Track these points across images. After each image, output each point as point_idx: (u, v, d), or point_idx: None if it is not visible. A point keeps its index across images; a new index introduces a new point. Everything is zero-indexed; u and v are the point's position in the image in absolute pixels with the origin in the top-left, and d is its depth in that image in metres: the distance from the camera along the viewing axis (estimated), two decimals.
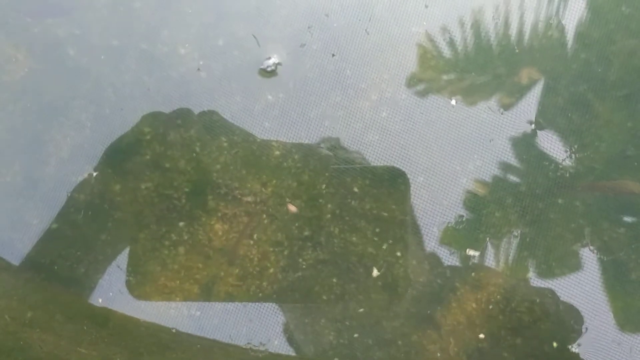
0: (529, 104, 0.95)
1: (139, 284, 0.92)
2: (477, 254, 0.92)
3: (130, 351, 0.76)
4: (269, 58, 0.95)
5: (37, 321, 0.79)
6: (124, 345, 0.78)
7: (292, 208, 0.85)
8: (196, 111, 0.97)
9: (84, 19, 1.00)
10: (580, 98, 0.95)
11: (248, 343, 0.91)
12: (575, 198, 0.93)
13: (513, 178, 0.94)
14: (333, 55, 0.99)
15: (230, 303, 0.92)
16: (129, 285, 0.92)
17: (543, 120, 0.95)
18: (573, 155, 0.94)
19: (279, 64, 0.94)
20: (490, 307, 0.90)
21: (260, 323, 0.91)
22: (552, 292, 0.90)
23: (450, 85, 0.97)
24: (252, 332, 0.91)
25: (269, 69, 0.93)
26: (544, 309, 0.90)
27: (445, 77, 0.97)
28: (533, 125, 0.95)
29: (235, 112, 0.97)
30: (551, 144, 0.94)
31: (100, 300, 0.90)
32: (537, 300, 0.90)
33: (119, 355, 0.75)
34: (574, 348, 0.89)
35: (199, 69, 0.92)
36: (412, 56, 0.98)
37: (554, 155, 0.94)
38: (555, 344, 0.89)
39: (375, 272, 0.90)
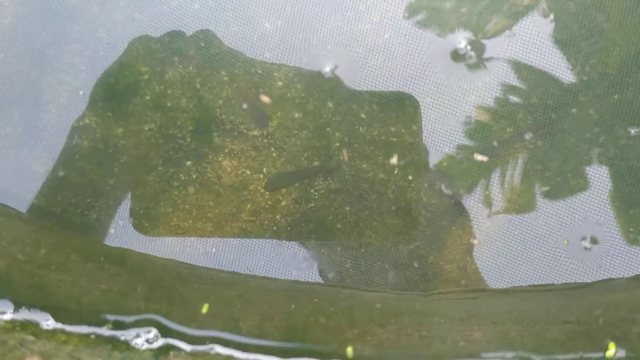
0: (538, 14, 0.92)
1: (152, 226, 0.92)
2: (485, 159, 0.90)
3: (150, 282, 0.76)
4: None
5: (53, 262, 0.80)
6: (143, 278, 0.79)
7: (266, 99, 0.83)
8: (193, 46, 0.94)
9: None
10: (591, 1, 0.91)
11: (267, 275, 0.91)
12: (589, 106, 0.90)
13: (523, 90, 0.91)
14: None
15: (245, 238, 0.92)
16: (142, 228, 0.91)
17: (555, 28, 0.91)
18: (586, 62, 0.91)
19: None
20: (506, 223, 0.90)
21: (277, 256, 0.92)
22: (567, 204, 0.89)
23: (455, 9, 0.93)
24: (270, 264, 0.91)
25: None
26: (560, 221, 0.90)
27: None
28: (543, 35, 0.91)
29: (233, 43, 0.94)
30: (563, 52, 0.91)
31: (112, 231, 0.90)
32: (553, 213, 0.90)
33: (139, 286, 0.75)
34: (586, 244, 0.89)
35: None
36: None
37: (566, 64, 0.91)
38: (566, 242, 0.89)
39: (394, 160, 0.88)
